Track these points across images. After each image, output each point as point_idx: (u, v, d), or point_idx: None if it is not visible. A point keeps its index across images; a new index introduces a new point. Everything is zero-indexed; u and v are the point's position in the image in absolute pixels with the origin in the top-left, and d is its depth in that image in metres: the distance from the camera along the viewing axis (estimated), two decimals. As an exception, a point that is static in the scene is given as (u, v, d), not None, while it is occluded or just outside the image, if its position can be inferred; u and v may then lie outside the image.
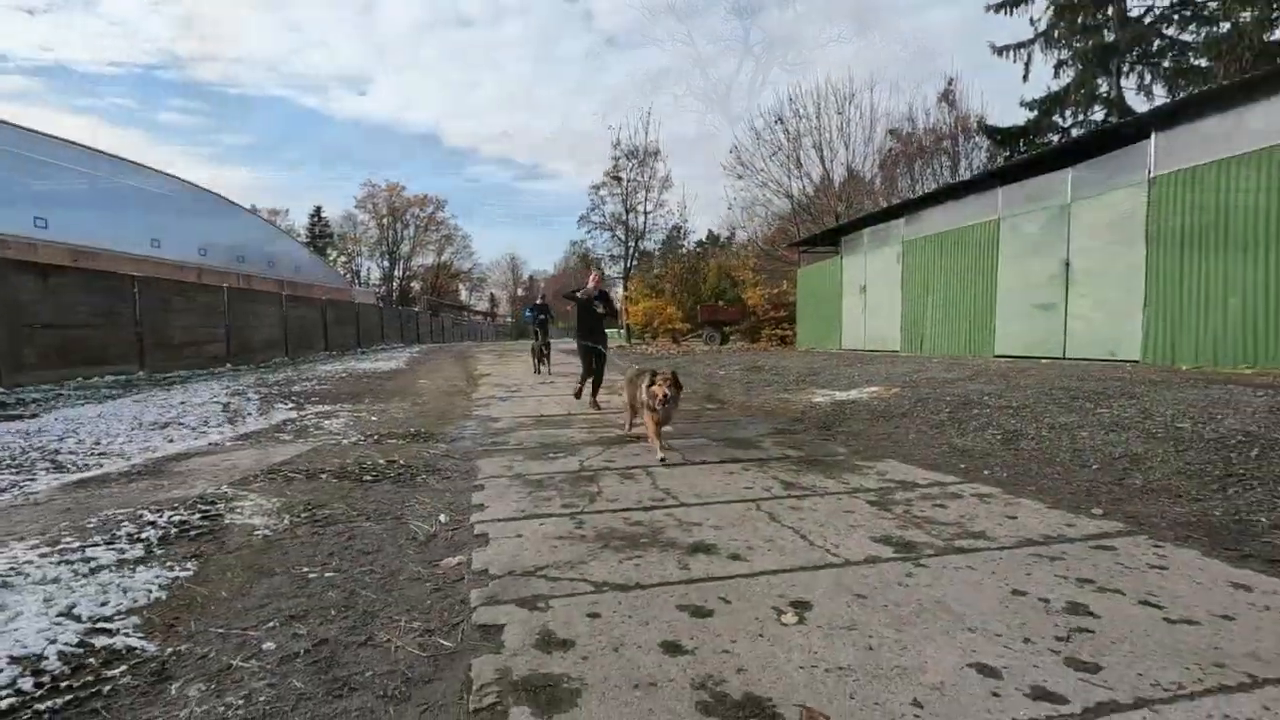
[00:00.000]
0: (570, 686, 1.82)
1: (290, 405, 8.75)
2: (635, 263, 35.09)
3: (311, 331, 21.94)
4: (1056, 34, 19.52)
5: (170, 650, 2.07)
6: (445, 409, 8.41)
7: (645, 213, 35.20)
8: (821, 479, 4.28)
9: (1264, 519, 3.20)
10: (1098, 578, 2.56)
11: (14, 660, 1.92)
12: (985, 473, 4.36)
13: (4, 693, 1.78)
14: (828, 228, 20.29)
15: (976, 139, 24.99)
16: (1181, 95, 16.66)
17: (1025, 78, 20.86)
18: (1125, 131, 9.78)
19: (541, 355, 14.14)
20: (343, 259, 59.38)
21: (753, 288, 29.92)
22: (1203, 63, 15.75)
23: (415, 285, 64.26)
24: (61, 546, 2.90)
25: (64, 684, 1.84)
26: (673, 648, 2.04)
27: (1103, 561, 2.74)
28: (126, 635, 2.14)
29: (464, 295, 79.00)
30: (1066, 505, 3.57)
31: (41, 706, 1.74)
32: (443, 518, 3.52)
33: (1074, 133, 19.44)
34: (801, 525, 3.28)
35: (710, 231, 50.86)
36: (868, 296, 16.72)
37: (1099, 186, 10.15)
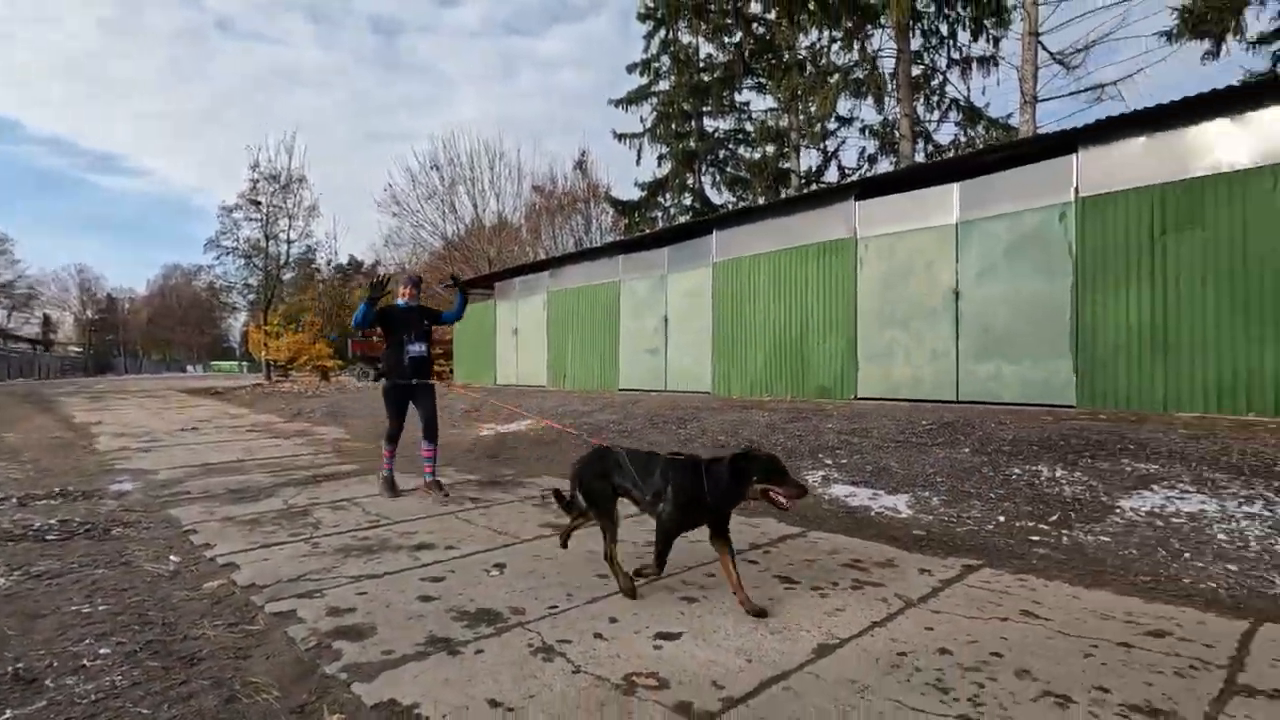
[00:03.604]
0: (367, 624, 2.88)
1: None
2: (274, 294, 32.09)
3: None
4: (658, 133, 24.82)
5: (10, 669, 2.47)
6: (74, 465, 7.53)
7: (289, 241, 32.53)
8: (500, 494, 5.70)
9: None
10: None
11: None
12: (608, 478, 6.31)
13: None
14: (482, 274, 22.03)
15: (605, 205, 29.69)
16: (737, 201, 22.88)
17: (638, 162, 25.99)
18: (698, 228, 13.58)
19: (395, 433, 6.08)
20: None
21: (407, 324, 30.04)
22: (746, 176, 22.03)
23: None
24: None
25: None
26: (426, 598, 3.21)
27: (667, 520, 4.71)
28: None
29: (-4, 316, 60.77)
30: (653, 493, 5.64)
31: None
32: (174, 558, 3.94)
33: (672, 212, 24.85)
34: (491, 524, 4.65)
35: (352, 256, 48.79)
36: (519, 338, 18.85)
37: (685, 264, 13.79)
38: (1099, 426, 6.40)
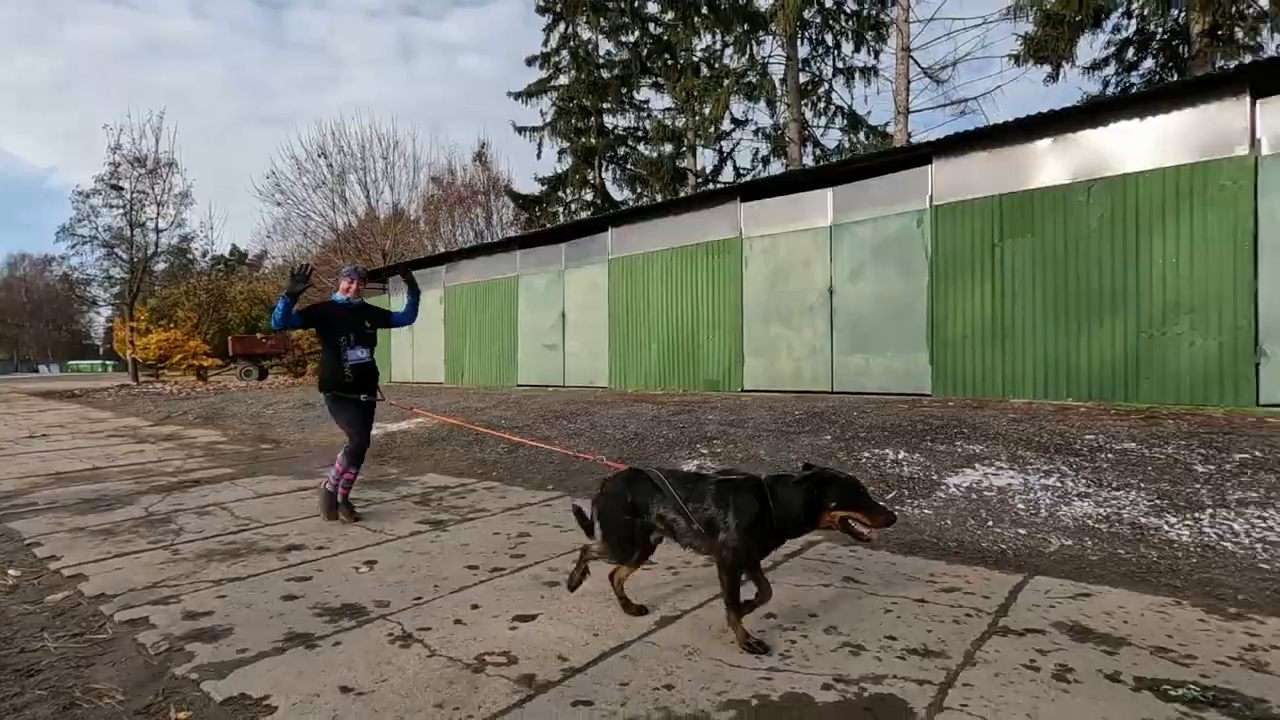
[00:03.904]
0: (224, 626, 2.89)
1: None
2: (140, 287, 29.55)
3: None
4: (559, 128, 24.79)
5: None
6: (-105, 479, 6.79)
7: (158, 230, 30.01)
8: (380, 493, 5.68)
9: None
10: (539, 519, 4.66)
11: None
12: (494, 474, 6.41)
13: None
14: (375, 267, 21.29)
15: (506, 198, 29.32)
16: (638, 198, 23.25)
17: (539, 156, 25.86)
18: (595, 225, 13.78)
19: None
20: None
21: (296, 319, 28.49)
22: (645, 174, 22.46)
23: None
24: None
25: None
26: (290, 597, 3.24)
27: (545, 512, 4.89)
28: None
29: None
30: (535, 486, 5.80)
31: None
32: (13, 572, 3.73)
33: (574, 207, 24.92)
34: (368, 523, 4.66)
35: (235, 247, 45.70)
36: (415, 333, 18.40)
37: (582, 261, 13.95)
38: (944, 413, 7.12)
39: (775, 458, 5.94)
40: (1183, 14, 13.34)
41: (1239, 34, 12.14)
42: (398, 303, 18.91)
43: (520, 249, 15.37)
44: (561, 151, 25.02)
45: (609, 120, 24.33)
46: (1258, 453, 4.88)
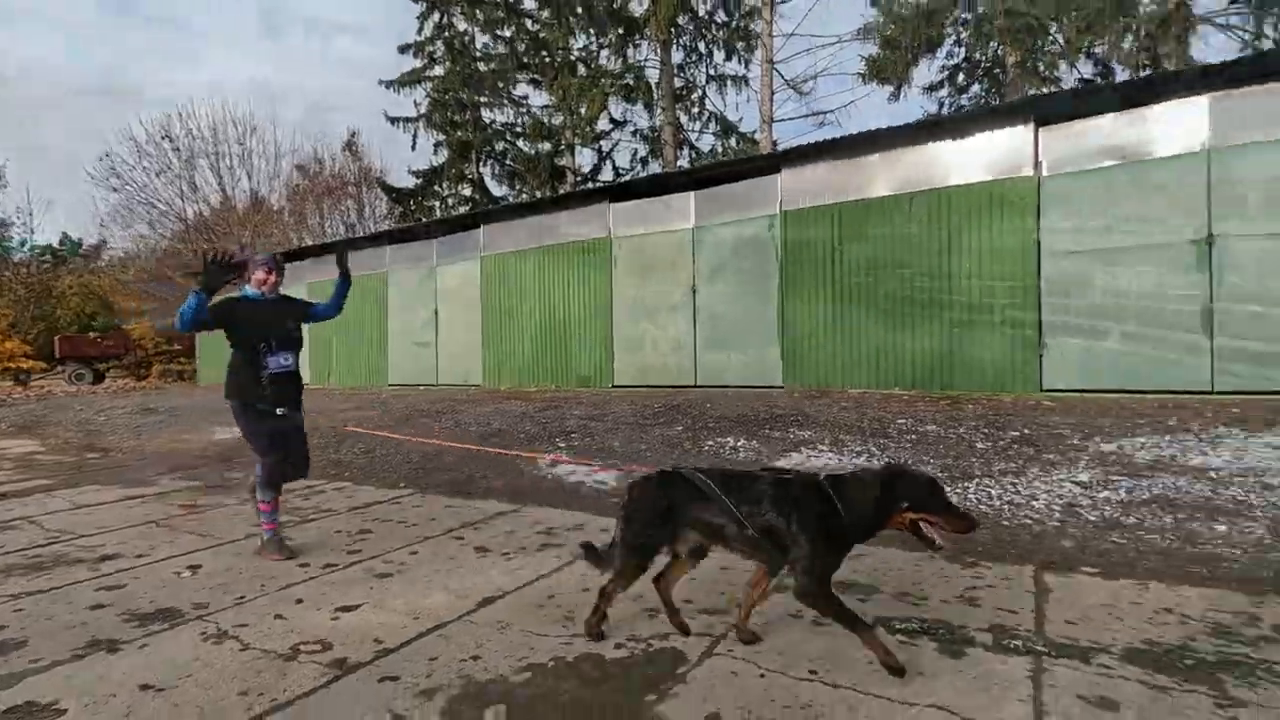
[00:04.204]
0: (17, 639, 2.76)
1: None
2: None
3: None
4: (434, 120, 24.11)
5: None
6: None
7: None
8: (222, 498, 5.45)
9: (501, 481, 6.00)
10: (384, 516, 4.69)
11: None
12: (346, 474, 6.30)
13: None
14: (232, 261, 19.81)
15: (379, 191, 28.13)
16: (517, 194, 23.10)
17: (414, 148, 25.03)
18: (468, 221, 13.63)
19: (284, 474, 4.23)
20: None
21: (139, 318, 25.98)
22: (523, 170, 22.37)
23: None
24: None
25: None
26: (98, 606, 3.12)
27: (392, 510, 4.92)
28: None
29: None
30: (388, 485, 5.79)
31: None
32: None
33: (450, 202, 24.35)
34: (200, 529, 4.49)
35: (67, 236, 40.82)
36: (277, 332, 17.34)
37: (455, 257, 13.75)
38: (788, 403, 7.76)
39: (627, 449, 6.26)
40: (1000, 47, 15.09)
41: (1041, 67, 13.93)
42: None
43: (391, 244, 14.91)
44: (438, 144, 24.34)
45: (487, 115, 23.96)
46: (1026, 430, 5.74)
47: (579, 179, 23.27)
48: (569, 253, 11.92)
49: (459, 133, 23.18)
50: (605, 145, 23.65)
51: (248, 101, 68.40)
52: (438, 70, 23.92)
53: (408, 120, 24.57)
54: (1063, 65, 14.10)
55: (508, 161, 23.33)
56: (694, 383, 10.45)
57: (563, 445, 6.59)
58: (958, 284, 8.40)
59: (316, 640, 2.66)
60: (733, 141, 22.14)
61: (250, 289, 3.97)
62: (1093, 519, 3.89)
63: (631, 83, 20.54)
